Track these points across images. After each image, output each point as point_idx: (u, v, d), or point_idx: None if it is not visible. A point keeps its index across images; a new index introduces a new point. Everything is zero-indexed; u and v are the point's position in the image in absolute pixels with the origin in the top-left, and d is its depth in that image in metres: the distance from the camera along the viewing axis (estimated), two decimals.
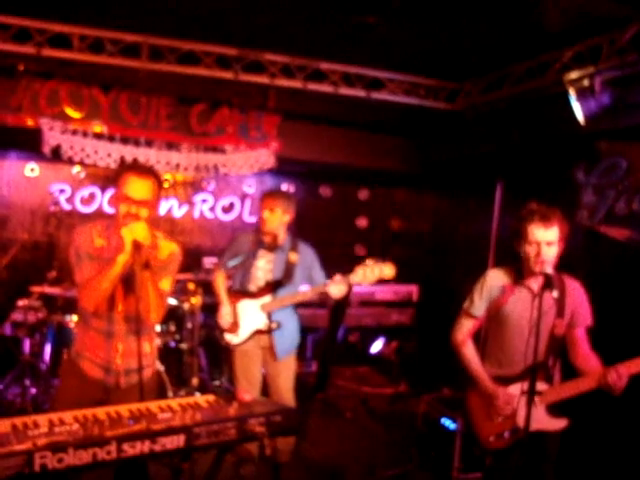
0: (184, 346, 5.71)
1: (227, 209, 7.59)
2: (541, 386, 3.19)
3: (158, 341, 5.36)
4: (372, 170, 7.69)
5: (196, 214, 7.46)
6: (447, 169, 7.38)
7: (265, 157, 6.61)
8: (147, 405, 2.58)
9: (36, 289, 5.50)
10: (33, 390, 5.20)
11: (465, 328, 3.43)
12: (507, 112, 5.94)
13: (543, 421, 3.19)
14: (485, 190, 5.74)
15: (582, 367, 3.21)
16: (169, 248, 3.20)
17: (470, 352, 3.41)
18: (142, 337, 2.96)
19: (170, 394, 5.21)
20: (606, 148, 5.22)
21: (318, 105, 6.38)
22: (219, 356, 6.02)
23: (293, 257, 4.50)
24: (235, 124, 6.49)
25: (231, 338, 4.56)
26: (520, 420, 3.13)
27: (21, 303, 5.40)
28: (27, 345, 5.34)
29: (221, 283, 4.66)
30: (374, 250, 8.27)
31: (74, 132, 5.98)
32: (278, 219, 4.42)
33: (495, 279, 3.36)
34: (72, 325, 5.17)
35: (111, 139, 6.14)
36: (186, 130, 6.36)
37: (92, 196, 6.99)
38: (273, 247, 4.51)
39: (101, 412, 2.47)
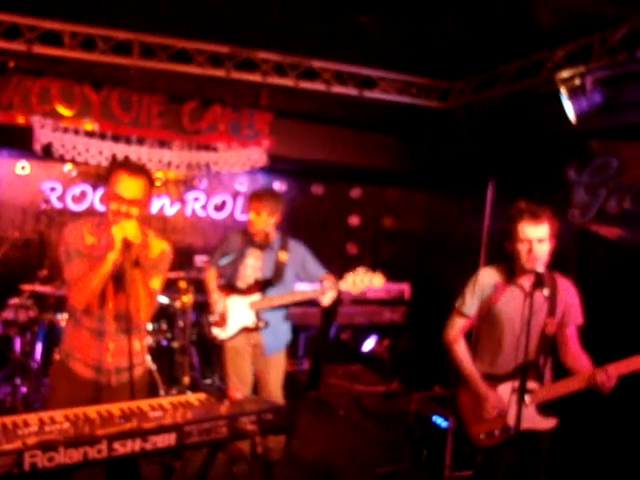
0: (176, 345, 5.70)
1: (219, 207, 7.58)
2: (532, 385, 3.20)
3: (149, 339, 5.35)
4: (364, 168, 7.70)
5: (188, 212, 7.45)
6: (439, 168, 7.39)
7: (257, 155, 6.60)
8: (138, 404, 2.57)
9: (27, 287, 5.47)
10: (24, 389, 5.19)
11: (457, 326, 3.44)
12: (499, 111, 5.95)
13: (533, 420, 3.20)
14: (477, 189, 5.74)
15: (572, 366, 3.23)
16: (160, 247, 3.19)
17: (462, 351, 3.42)
18: (133, 335, 2.95)
19: (162, 392, 5.20)
20: (597, 147, 5.24)
21: (310, 103, 6.37)
22: (211, 354, 6.02)
23: (283, 256, 4.50)
24: (227, 122, 6.48)
25: (218, 332, 4.56)
26: (510, 419, 3.14)
27: (12, 301, 5.37)
28: (18, 344, 5.32)
29: (212, 280, 4.67)
30: (366, 248, 8.29)
31: (65, 130, 5.96)
32: (264, 221, 4.42)
33: (487, 278, 3.37)
34: (63, 323, 5.15)
35: (102, 137, 6.12)
36: (178, 128, 6.34)
37: (83, 194, 6.97)
38: (263, 245, 4.52)
39: (92, 411, 2.46)
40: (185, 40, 5.30)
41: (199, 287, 5.18)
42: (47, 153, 5.96)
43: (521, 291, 3.25)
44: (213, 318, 4.58)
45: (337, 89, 5.77)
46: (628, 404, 4.20)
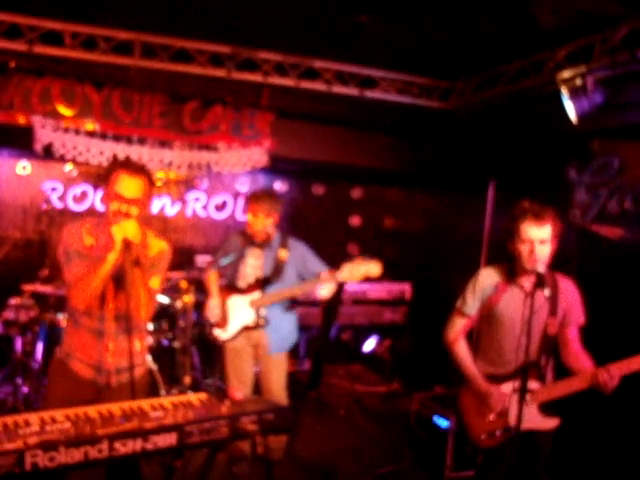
0: (177, 344, 5.69)
1: (220, 207, 7.58)
2: (533, 385, 3.20)
3: (150, 339, 5.35)
4: (365, 169, 7.69)
5: (189, 212, 7.45)
6: (440, 168, 7.39)
7: (258, 155, 6.60)
8: (139, 403, 2.57)
9: (28, 287, 5.47)
10: (25, 389, 5.18)
11: (458, 327, 3.44)
12: (500, 111, 5.94)
13: (535, 420, 3.20)
14: (478, 189, 5.73)
15: (574, 366, 3.22)
16: (159, 246, 3.19)
17: (463, 351, 3.41)
18: (133, 335, 2.95)
19: (163, 392, 5.20)
20: (598, 147, 5.24)
21: (311, 103, 6.37)
22: (212, 354, 6.01)
23: (283, 254, 4.51)
24: (228, 122, 6.48)
25: (219, 333, 4.57)
26: (512, 419, 3.14)
27: (13, 301, 5.37)
28: (19, 344, 5.32)
29: (213, 280, 4.68)
30: (367, 249, 8.27)
31: (66, 130, 5.96)
32: (261, 223, 4.42)
33: (488, 278, 3.36)
34: (64, 323, 5.15)
35: (103, 137, 6.12)
36: (179, 128, 6.34)
37: (84, 194, 6.97)
38: (263, 245, 4.53)
39: (93, 410, 2.46)
40: (186, 40, 5.31)
41: (200, 287, 5.17)
42: (48, 153, 5.96)
43: (522, 291, 3.24)
44: (214, 319, 4.59)
45: (338, 89, 5.77)
46: (630, 404, 4.19)
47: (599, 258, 5.16)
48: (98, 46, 5.16)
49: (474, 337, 3.55)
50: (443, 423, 4.80)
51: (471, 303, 3.38)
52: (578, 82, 4.77)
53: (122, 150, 6.16)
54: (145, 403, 2.58)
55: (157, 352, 5.41)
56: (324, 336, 7.12)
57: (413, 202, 8.36)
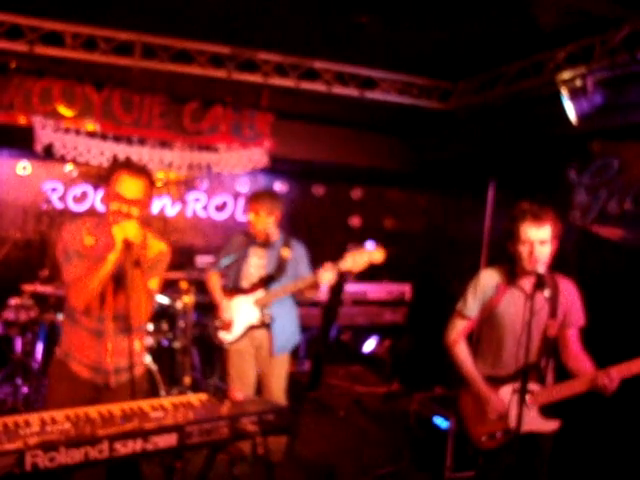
0: (177, 345, 5.69)
1: (220, 208, 7.58)
2: (533, 387, 3.19)
3: (150, 340, 5.35)
4: (365, 169, 7.70)
5: (189, 213, 7.44)
6: (440, 168, 7.39)
7: (258, 156, 6.60)
8: (139, 404, 2.57)
9: (28, 287, 5.48)
10: (25, 389, 5.18)
11: (458, 328, 3.43)
12: (500, 112, 5.95)
13: (535, 422, 3.20)
14: (478, 190, 5.73)
15: (574, 368, 3.22)
16: (158, 247, 3.20)
17: (463, 353, 3.41)
18: (132, 336, 2.95)
19: (163, 393, 5.20)
20: (598, 148, 5.25)
21: (311, 104, 6.38)
22: (212, 355, 6.01)
23: (286, 253, 4.52)
24: (228, 123, 6.48)
25: (225, 336, 4.56)
26: (512, 421, 3.13)
27: (13, 302, 5.37)
28: (19, 344, 5.32)
29: (215, 282, 4.67)
30: None
31: (67, 130, 5.96)
32: (263, 221, 4.44)
33: (488, 279, 3.36)
34: (63, 321, 5.15)
35: (104, 137, 6.12)
36: (179, 128, 6.34)
37: (84, 194, 6.97)
38: (265, 244, 4.53)
39: (93, 411, 2.46)
40: (186, 41, 5.31)
41: (200, 287, 5.18)
42: (48, 153, 5.96)
43: (522, 292, 3.24)
44: (220, 323, 4.57)
45: (338, 90, 5.78)
46: (631, 406, 4.19)
47: (599, 259, 5.17)
48: (98, 47, 5.16)
49: (474, 339, 3.55)
50: (443, 424, 4.80)
51: (472, 305, 3.37)
52: (578, 83, 4.77)
53: (122, 151, 6.16)
54: (145, 403, 2.58)
55: (157, 352, 5.41)
56: (324, 337, 7.12)
57: (413, 203, 8.37)
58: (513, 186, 5.36)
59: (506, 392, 3.24)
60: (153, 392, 4.86)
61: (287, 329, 4.57)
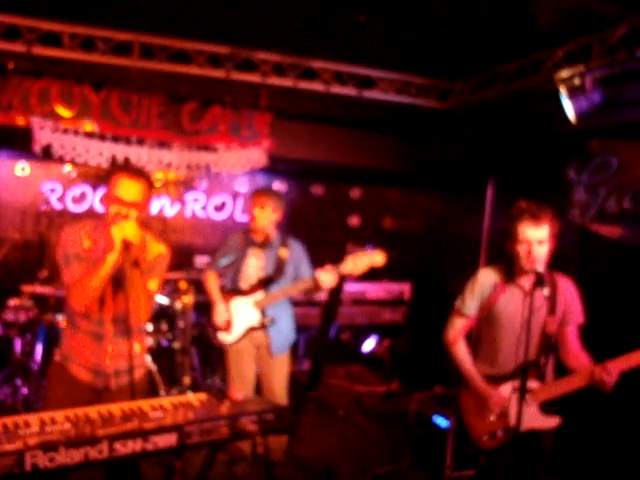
0: (176, 345, 5.69)
1: (219, 208, 7.58)
2: (533, 384, 3.20)
3: (150, 340, 5.35)
4: (364, 169, 7.70)
5: (188, 213, 7.45)
6: (439, 168, 7.39)
7: (257, 156, 6.59)
8: (139, 404, 2.57)
9: (27, 288, 5.47)
10: (24, 390, 5.18)
11: (457, 327, 3.44)
12: (499, 110, 5.95)
13: (536, 420, 3.20)
14: (477, 189, 5.75)
15: (573, 365, 3.22)
16: (157, 249, 3.20)
17: (462, 351, 3.41)
18: (132, 338, 2.95)
19: (162, 393, 5.20)
20: (597, 146, 5.25)
21: (310, 104, 6.37)
22: (211, 355, 6.01)
23: (284, 253, 4.51)
24: (227, 123, 6.47)
25: (224, 337, 4.56)
26: (512, 419, 3.13)
27: (12, 302, 5.37)
28: (18, 345, 5.32)
29: (213, 283, 4.67)
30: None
31: (65, 131, 5.95)
32: (268, 217, 4.44)
33: (487, 278, 3.36)
34: (63, 325, 5.14)
35: (102, 138, 6.11)
36: (178, 129, 6.34)
37: (83, 195, 6.97)
38: (263, 244, 4.53)
39: (93, 411, 2.46)
40: (185, 41, 5.30)
41: (199, 288, 5.17)
42: (47, 154, 5.96)
43: (521, 291, 3.24)
44: (221, 323, 4.57)
45: (336, 89, 5.77)
46: (630, 401, 4.20)
47: (598, 257, 5.17)
48: (97, 47, 5.16)
49: (473, 337, 3.55)
50: (443, 423, 4.80)
51: (470, 303, 3.38)
52: (577, 81, 4.77)
53: (121, 151, 6.16)
54: (145, 404, 2.59)
55: (156, 353, 5.41)
56: (323, 336, 7.11)
57: (412, 202, 8.37)
58: (512, 185, 5.37)
59: (506, 390, 3.24)
60: (153, 392, 4.86)
61: (283, 329, 4.57)
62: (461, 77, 5.97)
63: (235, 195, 7.62)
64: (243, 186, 7.61)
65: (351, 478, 4.74)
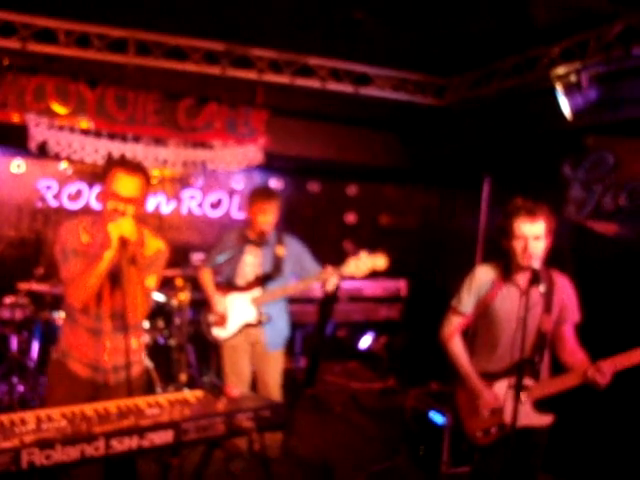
0: (172, 342, 5.69)
1: (215, 205, 7.57)
2: (527, 382, 3.20)
3: (146, 337, 5.35)
4: (360, 166, 7.69)
5: (184, 210, 7.43)
6: (435, 164, 7.39)
7: (253, 153, 6.58)
8: (135, 401, 2.57)
9: (23, 286, 5.46)
10: (21, 388, 5.18)
11: (453, 324, 3.44)
12: (495, 107, 5.95)
13: (530, 417, 3.20)
14: (473, 185, 5.73)
15: (569, 363, 3.23)
16: (156, 245, 3.20)
17: (458, 349, 3.41)
18: (129, 334, 2.95)
19: (159, 390, 5.20)
20: (593, 143, 5.25)
21: (306, 100, 6.37)
22: (208, 352, 6.01)
23: (280, 251, 4.52)
24: (223, 120, 6.46)
25: (219, 332, 4.56)
26: (507, 416, 3.14)
27: (8, 300, 5.37)
28: (14, 342, 5.32)
29: (208, 278, 4.67)
30: (362, 246, 8.27)
31: (61, 128, 5.93)
32: (271, 221, 4.46)
33: (483, 275, 3.36)
34: (60, 322, 5.14)
35: (98, 135, 6.10)
36: (174, 126, 6.33)
37: (79, 192, 6.95)
38: (260, 242, 4.53)
39: (89, 408, 2.46)
40: (180, 37, 5.29)
41: (196, 285, 5.17)
42: (42, 151, 5.94)
43: (517, 288, 3.24)
44: (213, 318, 4.58)
45: (333, 86, 5.77)
46: (624, 398, 4.21)
47: (594, 254, 5.18)
48: (92, 44, 5.14)
49: (469, 334, 3.55)
50: (439, 419, 4.81)
51: (467, 301, 3.38)
52: (573, 78, 4.77)
53: (117, 148, 6.15)
54: (141, 400, 2.59)
55: (153, 350, 5.41)
56: (320, 333, 7.12)
57: (409, 199, 8.37)
58: (508, 181, 5.37)
59: (501, 387, 3.25)
60: (149, 389, 4.86)
61: (279, 326, 4.58)
62: (457, 74, 5.97)
63: (231, 192, 7.61)
64: (239, 183, 7.60)
65: (347, 474, 4.75)
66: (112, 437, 2.18)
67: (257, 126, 6.59)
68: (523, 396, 3.12)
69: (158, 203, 7.25)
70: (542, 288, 2.98)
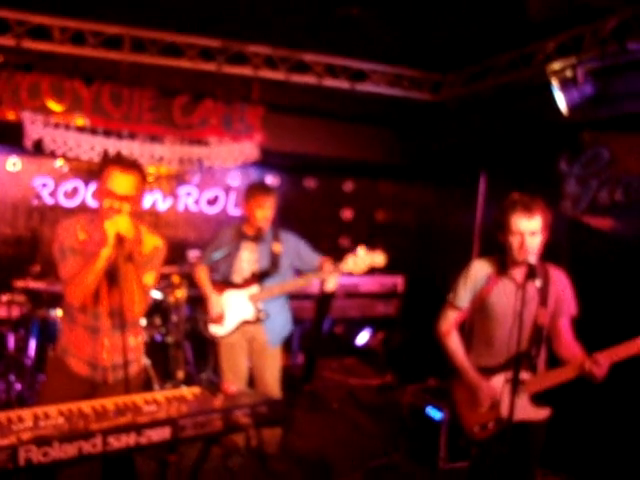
0: (170, 339, 5.69)
1: (211, 202, 7.57)
2: (524, 376, 3.21)
3: (144, 335, 5.35)
4: (357, 162, 7.69)
5: (180, 207, 7.43)
6: (431, 160, 7.39)
7: (249, 149, 6.57)
8: (132, 398, 2.58)
9: (20, 284, 5.46)
10: (18, 386, 5.17)
11: (449, 319, 3.44)
12: (491, 103, 5.96)
13: (527, 411, 3.21)
14: (469, 181, 5.75)
15: (565, 357, 3.23)
16: (153, 242, 3.19)
17: (454, 343, 3.42)
18: (127, 332, 2.95)
19: (156, 387, 5.20)
20: (589, 138, 5.26)
21: (302, 97, 6.36)
22: (205, 349, 6.01)
23: (277, 247, 4.52)
24: (219, 116, 6.44)
25: (217, 329, 4.56)
26: (504, 410, 3.15)
27: (5, 298, 5.35)
28: (11, 340, 5.31)
29: (204, 276, 4.66)
30: (359, 242, 8.27)
31: (56, 125, 5.91)
32: (269, 216, 4.46)
33: (479, 270, 3.37)
34: (57, 320, 5.13)
35: (94, 132, 6.07)
36: (169, 122, 6.30)
37: (75, 190, 6.94)
38: (257, 238, 4.52)
39: (86, 406, 2.46)
40: (176, 34, 5.29)
41: (192, 282, 5.17)
42: (38, 149, 5.92)
43: (513, 283, 3.25)
44: (210, 316, 4.57)
45: (328, 82, 5.77)
46: (621, 391, 4.22)
47: (590, 249, 5.19)
48: (87, 41, 5.13)
49: (466, 329, 3.56)
50: (436, 415, 4.82)
51: (463, 295, 3.38)
52: (568, 73, 4.77)
53: (113, 145, 6.12)
54: (139, 398, 2.59)
55: (150, 347, 5.41)
56: (317, 329, 7.12)
57: (405, 195, 8.37)
58: (504, 177, 5.38)
59: (498, 381, 3.26)
60: (147, 387, 4.86)
61: (279, 321, 4.58)
62: (453, 70, 5.98)
63: (228, 189, 7.60)
64: (235, 180, 7.59)
65: (345, 470, 4.75)
66: (109, 434, 2.18)
67: (253, 122, 6.58)
68: (520, 390, 3.13)
69: (154, 200, 7.24)
70: (538, 282, 2.99)
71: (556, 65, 4.85)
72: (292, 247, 4.56)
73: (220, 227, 5.17)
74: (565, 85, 4.82)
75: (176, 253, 6.43)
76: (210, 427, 2.41)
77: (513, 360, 3.07)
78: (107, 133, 6.11)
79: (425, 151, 7.38)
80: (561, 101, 4.88)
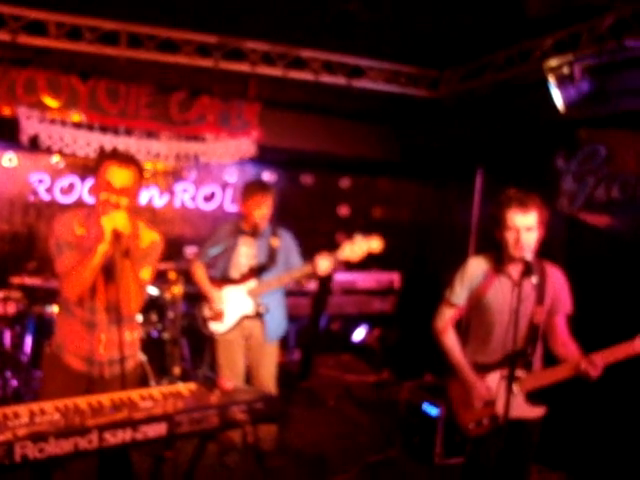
0: (166, 336, 5.69)
1: (208, 198, 7.56)
2: (520, 374, 3.21)
3: (141, 331, 5.34)
4: (354, 158, 7.69)
5: (177, 203, 7.42)
6: (428, 157, 7.39)
7: (246, 146, 6.56)
8: (129, 394, 2.57)
9: (16, 280, 5.45)
10: (14, 382, 5.16)
11: (446, 316, 3.44)
12: (488, 100, 5.95)
13: (522, 409, 3.21)
14: (466, 178, 5.75)
15: (561, 354, 3.24)
16: (150, 237, 3.19)
17: (451, 340, 3.42)
18: (123, 327, 2.95)
19: (152, 383, 5.20)
20: (586, 135, 5.26)
21: (299, 93, 6.35)
22: (201, 345, 6.01)
23: (275, 242, 4.53)
24: (216, 112, 6.43)
25: (217, 327, 4.55)
26: (499, 408, 3.16)
27: (0, 294, 5.34)
28: (7, 337, 5.30)
29: (201, 273, 4.65)
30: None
31: (52, 121, 5.90)
32: (267, 214, 4.47)
33: (476, 267, 3.37)
34: (53, 316, 5.12)
35: (90, 128, 6.06)
36: (166, 119, 6.30)
37: (72, 186, 6.92)
38: (254, 233, 4.52)
39: (82, 401, 2.46)
40: (173, 30, 5.27)
41: (189, 278, 5.17)
42: (34, 145, 5.91)
43: (509, 280, 3.25)
44: (209, 313, 4.57)
45: (326, 78, 5.76)
46: (617, 389, 4.23)
47: (586, 246, 5.19)
48: (83, 36, 5.11)
49: (463, 326, 3.56)
50: (432, 411, 4.83)
51: (459, 293, 3.38)
52: (565, 70, 4.77)
53: (109, 141, 6.11)
54: (135, 393, 2.58)
55: (147, 343, 5.40)
56: (313, 326, 7.13)
57: (402, 191, 8.37)
58: (501, 174, 5.38)
59: (493, 379, 3.26)
60: (143, 383, 4.85)
61: (276, 317, 4.58)
62: (450, 66, 5.97)
63: (224, 185, 7.60)
64: (232, 176, 7.59)
65: (342, 467, 4.76)
66: (105, 430, 2.18)
67: (250, 119, 6.57)
68: (515, 388, 3.14)
69: (151, 196, 7.23)
70: (534, 279, 2.99)
71: (553, 62, 4.84)
72: (286, 245, 4.57)
73: (217, 223, 5.16)
74: (562, 82, 4.82)
75: (173, 249, 6.42)
76: (206, 423, 2.41)
77: (509, 357, 3.07)
78: (103, 129, 6.11)
79: (422, 148, 7.37)
80: (558, 98, 4.88)
